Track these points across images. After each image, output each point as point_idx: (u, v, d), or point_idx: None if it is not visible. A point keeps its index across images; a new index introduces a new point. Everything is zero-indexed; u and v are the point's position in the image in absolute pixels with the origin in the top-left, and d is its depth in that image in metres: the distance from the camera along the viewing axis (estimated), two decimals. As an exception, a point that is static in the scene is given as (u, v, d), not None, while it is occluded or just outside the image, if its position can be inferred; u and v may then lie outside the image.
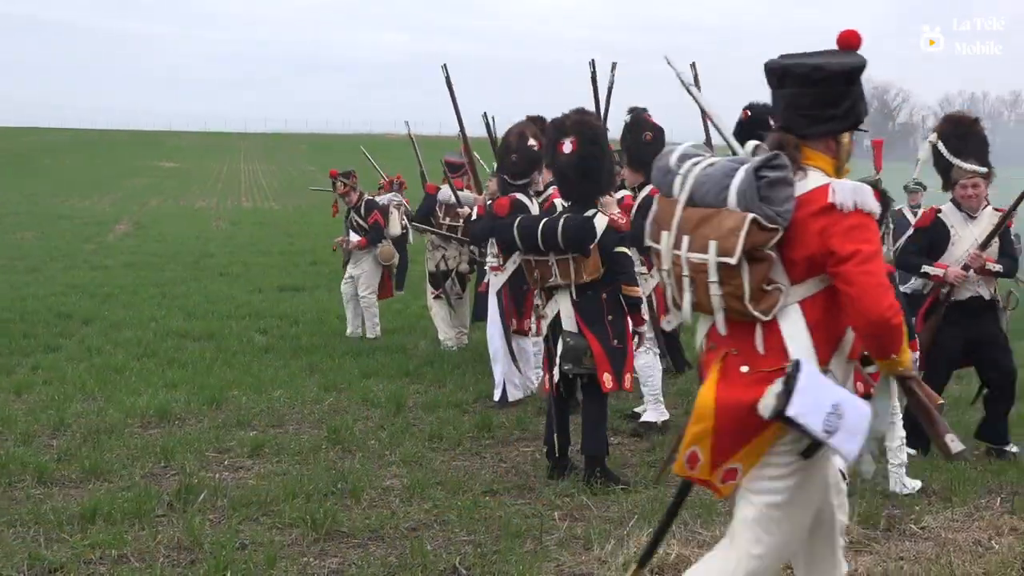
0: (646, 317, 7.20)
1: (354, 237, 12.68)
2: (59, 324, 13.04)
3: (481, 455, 7.73)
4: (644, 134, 8.45)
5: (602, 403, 7.00)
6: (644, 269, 8.48)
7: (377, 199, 13.26)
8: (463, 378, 10.19)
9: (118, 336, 12.26)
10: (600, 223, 6.79)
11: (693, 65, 8.57)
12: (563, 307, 6.91)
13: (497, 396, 9.29)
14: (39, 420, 8.33)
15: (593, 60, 8.70)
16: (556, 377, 6.96)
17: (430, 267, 11.78)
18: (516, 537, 5.86)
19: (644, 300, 8.38)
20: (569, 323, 6.88)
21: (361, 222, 12.61)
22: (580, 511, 6.41)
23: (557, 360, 6.92)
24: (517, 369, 9.21)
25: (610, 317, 6.87)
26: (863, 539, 5.92)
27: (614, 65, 8.69)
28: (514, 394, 9.30)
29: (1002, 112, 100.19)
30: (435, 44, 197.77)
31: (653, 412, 8.56)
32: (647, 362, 8.54)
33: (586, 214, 6.83)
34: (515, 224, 6.97)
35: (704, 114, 8.57)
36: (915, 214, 13.98)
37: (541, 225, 6.80)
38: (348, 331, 12.84)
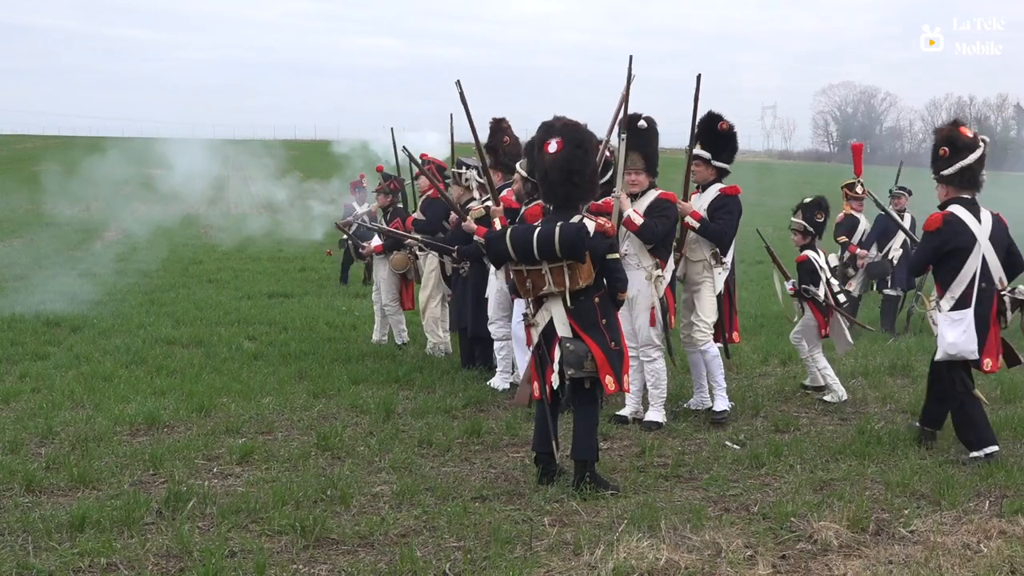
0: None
1: (375, 241, 12.63)
2: (47, 332, 12.99)
3: (471, 461, 7.73)
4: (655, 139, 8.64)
5: (593, 409, 7.01)
6: (660, 271, 8.54)
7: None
8: (452, 384, 10.18)
9: (106, 344, 12.22)
10: (589, 228, 6.80)
11: (699, 77, 8.69)
12: (556, 314, 6.90)
13: None
14: (27, 428, 8.30)
15: (631, 56, 8.66)
16: (555, 383, 6.90)
17: (448, 271, 11.70)
18: (506, 543, 5.86)
19: (656, 302, 8.48)
20: (564, 329, 6.87)
21: (385, 227, 12.48)
22: (570, 516, 6.41)
23: (556, 365, 6.89)
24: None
25: (604, 321, 6.90)
26: (852, 543, 5.94)
27: (630, 58, 8.72)
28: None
29: (988, 116, 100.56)
30: (428, 50, 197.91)
31: (657, 413, 8.65)
32: (661, 366, 8.62)
33: (574, 220, 6.83)
34: (507, 235, 6.97)
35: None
36: (901, 218, 14.06)
37: (536, 234, 6.81)
38: (374, 338, 12.78)
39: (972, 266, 7.74)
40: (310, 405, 9.29)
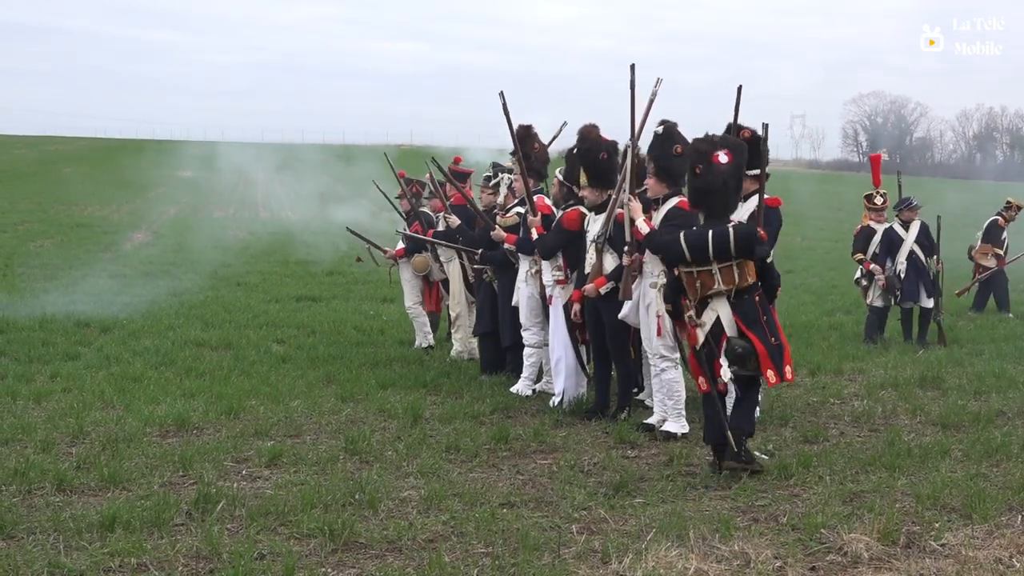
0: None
1: (398, 245, 12.69)
2: (78, 333, 13.09)
3: (498, 467, 7.73)
4: (674, 147, 8.52)
5: (754, 393, 7.71)
6: (663, 280, 8.50)
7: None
8: (480, 389, 10.19)
9: (136, 345, 12.30)
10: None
11: (739, 88, 8.74)
12: (722, 313, 7.42)
13: (556, 402, 9.57)
14: (58, 428, 8.37)
15: (633, 65, 8.70)
16: (725, 376, 7.38)
17: (471, 278, 11.74)
18: (534, 550, 5.86)
19: (664, 311, 8.53)
20: (730, 328, 7.40)
21: (407, 231, 12.52)
22: (598, 524, 6.41)
23: (724, 362, 7.37)
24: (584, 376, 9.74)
25: (764, 317, 7.44)
26: (882, 556, 5.90)
27: (659, 80, 8.81)
28: (570, 401, 9.55)
29: (1021, 127, 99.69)
30: (454, 54, 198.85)
31: (675, 424, 8.60)
32: (673, 376, 8.58)
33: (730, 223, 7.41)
34: (682, 238, 7.46)
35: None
36: (906, 228, 14.00)
37: (711, 235, 7.34)
38: (423, 344, 12.72)
39: None
40: (338, 409, 9.32)
